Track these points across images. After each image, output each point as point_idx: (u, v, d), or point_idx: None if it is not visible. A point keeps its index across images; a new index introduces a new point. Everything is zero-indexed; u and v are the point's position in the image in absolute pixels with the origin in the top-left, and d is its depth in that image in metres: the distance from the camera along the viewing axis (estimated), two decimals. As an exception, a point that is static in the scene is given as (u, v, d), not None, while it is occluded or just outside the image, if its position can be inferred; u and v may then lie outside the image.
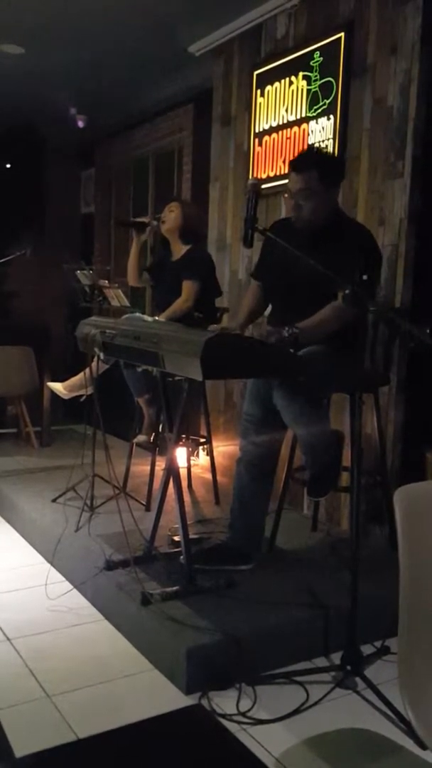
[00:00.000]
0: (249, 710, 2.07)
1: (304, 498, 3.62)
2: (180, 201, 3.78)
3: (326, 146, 3.49)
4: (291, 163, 2.63)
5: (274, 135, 3.88)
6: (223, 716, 2.05)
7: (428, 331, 3.12)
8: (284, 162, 3.76)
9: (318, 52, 3.54)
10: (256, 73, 4.00)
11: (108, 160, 6.74)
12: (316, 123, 3.56)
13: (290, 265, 2.60)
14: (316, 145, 3.54)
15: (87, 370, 3.50)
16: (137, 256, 3.77)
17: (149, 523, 2.81)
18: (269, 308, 2.91)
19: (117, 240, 6.78)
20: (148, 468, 3.52)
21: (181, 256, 3.64)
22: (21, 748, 1.87)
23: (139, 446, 3.87)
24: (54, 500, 3.56)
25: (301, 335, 2.40)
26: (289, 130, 3.77)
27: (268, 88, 3.91)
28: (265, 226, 2.73)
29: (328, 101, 3.49)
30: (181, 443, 3.71)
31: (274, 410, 2.54)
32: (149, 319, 3.47)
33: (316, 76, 3.57)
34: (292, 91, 3.74)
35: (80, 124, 5.96)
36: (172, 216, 3.63)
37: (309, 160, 2.61)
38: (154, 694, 2.16)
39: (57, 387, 3.98)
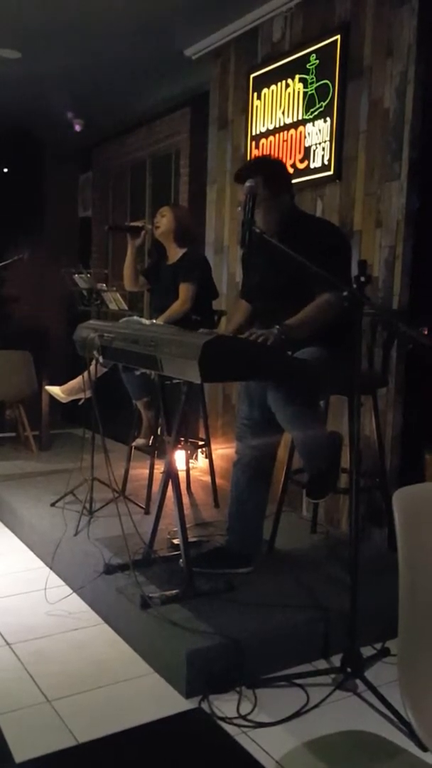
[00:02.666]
0: (249, 713, 2.07)
1: (303, 500, 3.62)
2: (171, 205, 3.81)
3: (323, 148, 3.50)
4: (234, 176, 2.66)
5: (270, 138, 3.88)
6: (224, 719, 2.04)
7: (426, 332, 3.14)
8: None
9: (314, 55, 3.54)
10: (252, 75, 4.01)
11: (105, 164, 6.75)
12: (313, 125, 3.57)
13: (271, 273, 2.61)
14: (313, 146, 3.55)
15: (85, 373, 3.50)
16: (133, 261, 3.78)
17: (148, 527, 2.80)
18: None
19: (115, 243, 6.78)
20: (147, 471, 3.52)
21: (176, 260, 3.65)
22: (21, 754, 1.86)
23: (137, 449, 3.87)
24: (53, 504, 3.55)
25: (290, 332, 2.40)
26: (285, 132, 3.77)
27: (265, 90, 3.92)
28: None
29: (324, 103, 3.49)
30: (179, 446, 3.70)
31: (269, 412, 2.54)
32: (147, 322, 3.47)
33: (312, 78, 3.57)
34: (289, 94, 3.74)
35: (77, 127, 5.96)
36: (164, 220, 3.64)
37: (250, 169, 2.64)
38: (154, 698, 2.16)
39: (55, 391, 3.97)
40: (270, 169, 2.69)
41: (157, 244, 3.77)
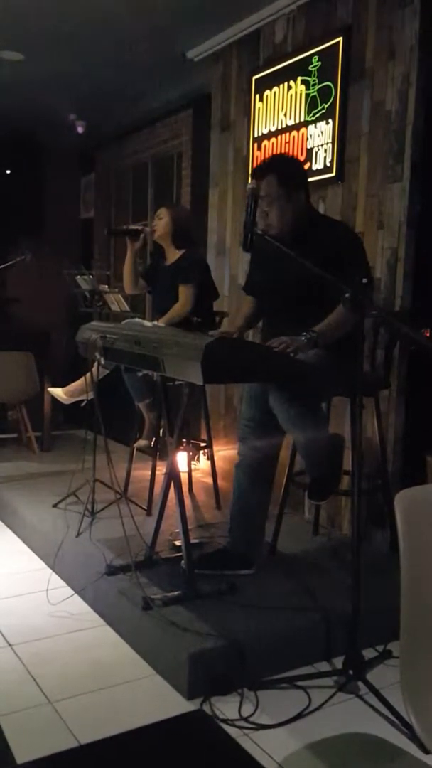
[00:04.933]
0: (251, 715, 2.07)
1: (305, 502, 3.61)
2: (168, 207, 3.76)
3: (325, 150, 3.50)
4: (251, 173, 2.63)
5: (273, 139, 3.88)
6: (225, 721, 2.04)
7: (428, 334, 3.13)
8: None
9: (316, 57, 3.55)
10: (254, 77, 4.02)
11: (107, 166, 6.76)
12: (315, 127, 3.57)
13: (281, 273, 2.61)
14: (315, 148, 3.56)
15: (87, 375, 3.50)
16: (132, 264, 3.78)
17: (150, 528, 2.81)
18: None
19: (116, 245, 6.79)
20: (148, 473, 3.52)
21: (174, 261, 3.64)
22: (22, 755, 1.86)
23: (139, 451, 3.87)
24: (55, 505, 3.56)
25: (319, 338, 2.39)
26: (288, 134, 3.77)
27: (267, 92, 3.92)
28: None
29: (326, 105, 3.49)
30: (181, 448, 3.71)
31: (272, 414, 2.53)
32: (149, 323, 3.47)
33: (314, 80, 3.58)
34: (291, 96, 3.75)
35: (80, 129, 5.97)
36: (161, 223, 3.63)
37: (265, 167, 2.63)
38: (156, 700, 2.16)
39: (57, 392, 3.98)
40: (284, 167, 2.65)
41: (157, 246, 3.77)
